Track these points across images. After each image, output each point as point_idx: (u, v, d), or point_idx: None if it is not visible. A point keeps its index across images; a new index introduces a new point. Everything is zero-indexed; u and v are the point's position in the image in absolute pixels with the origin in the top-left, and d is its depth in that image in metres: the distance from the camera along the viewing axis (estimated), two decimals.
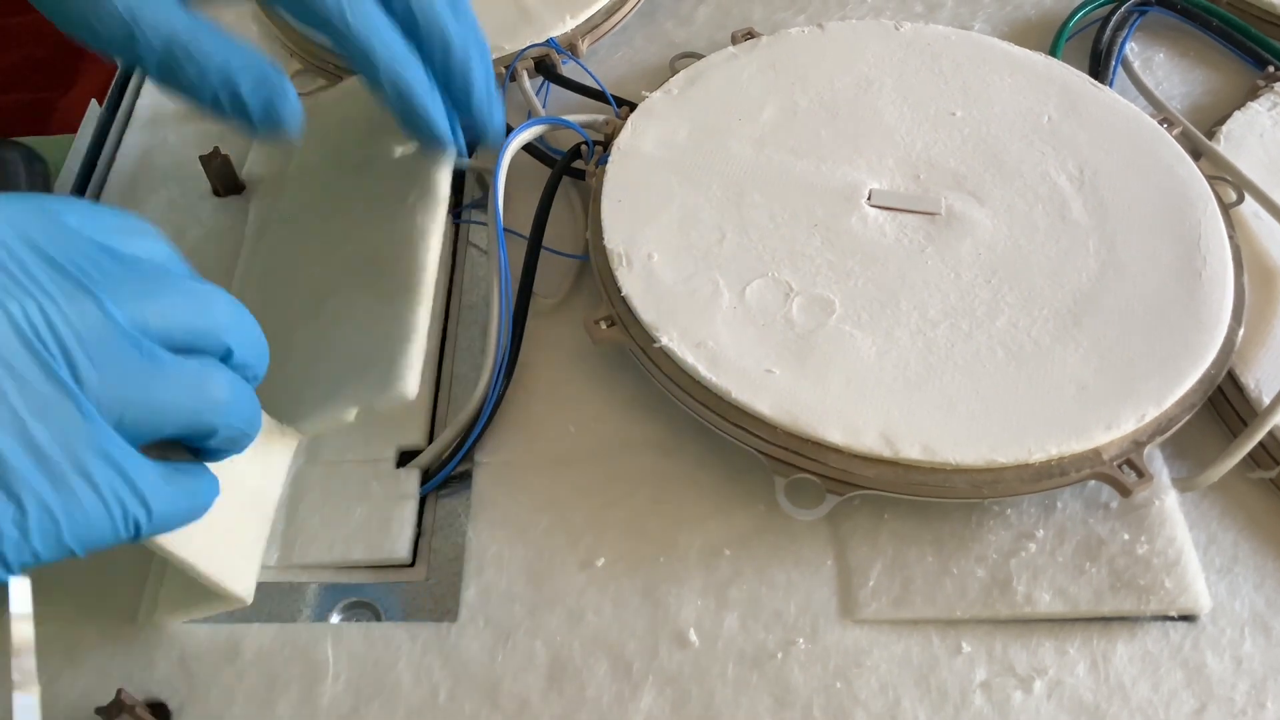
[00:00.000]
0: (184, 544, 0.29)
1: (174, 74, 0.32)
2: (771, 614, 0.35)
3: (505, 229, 0.42)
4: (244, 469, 0.32)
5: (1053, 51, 0.52)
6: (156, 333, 0.25)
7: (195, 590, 0.32)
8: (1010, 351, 0.38)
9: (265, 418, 0.32)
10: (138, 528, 0.26)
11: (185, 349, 0.26)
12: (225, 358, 0.27)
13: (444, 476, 0.38)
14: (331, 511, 0.37)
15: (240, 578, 0.32)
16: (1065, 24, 0.53)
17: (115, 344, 0.24)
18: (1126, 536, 0.36)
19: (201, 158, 0.46)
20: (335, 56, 0.50)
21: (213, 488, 0.29)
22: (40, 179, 0.52)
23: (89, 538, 0.24)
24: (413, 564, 0.37)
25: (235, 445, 0.28)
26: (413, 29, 0.35)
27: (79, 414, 0.23)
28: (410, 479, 0.38)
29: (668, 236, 0.41)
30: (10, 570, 0.24)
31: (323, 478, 0.38)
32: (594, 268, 0.41)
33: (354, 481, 0.38)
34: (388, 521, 0.37)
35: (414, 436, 0.40)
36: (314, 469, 0.39)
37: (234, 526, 0.32)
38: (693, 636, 0.35)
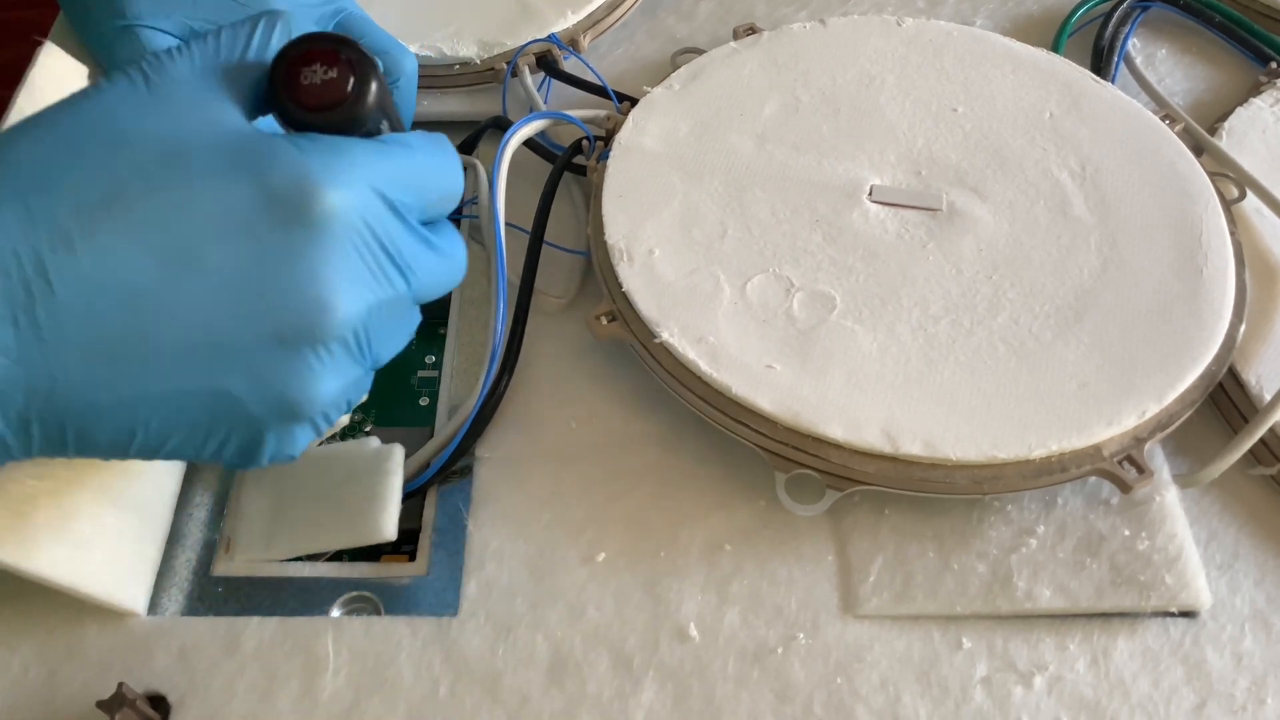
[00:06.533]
0: (61, 571, 0.32)
1: None
2: (772, 609, 0.35)
3: (507, 224, 0.42)
4: (131, 489, 0.36)
5: (1055, 47, 0.52)
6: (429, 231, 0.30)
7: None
8: (1011, 347, 0.38)
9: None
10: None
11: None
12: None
13: (439, 467, 0.38)
14: (316, 499, 0.37)
15: (125, 590, 0.35)
16: (1067, 20, 0.53)
17: (423, 255, 0.29)
18: (1127, 533, 0.36)
19: None
20: None
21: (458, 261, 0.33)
22: None
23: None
24: (412, 557, 0.37)
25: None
26: None
27: (409, 303, 0.29)
28: (393, 455, 0.37)
29: (669, 232, 0.41)
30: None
31: (306, 467, 0.38)
32: (595, 263, 0.41)
33: (338, 466, 0.37)
34: (371, 501, 0.36)
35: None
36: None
37: (116, 546, 0.35)
38: (694, 631, 0.35)
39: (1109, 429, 0.35)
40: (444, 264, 0.29)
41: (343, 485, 0.37)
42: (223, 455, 0.27)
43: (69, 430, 0.25)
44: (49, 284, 0.24)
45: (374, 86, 0.27)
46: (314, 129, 0.27)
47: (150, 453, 0.27)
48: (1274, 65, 0.50)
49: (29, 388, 0.24)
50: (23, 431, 0.25)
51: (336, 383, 0.27)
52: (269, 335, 0.26)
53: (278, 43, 0.28)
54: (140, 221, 0.24)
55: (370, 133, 0.28)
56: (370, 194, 0.27)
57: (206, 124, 0.26)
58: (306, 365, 0.26)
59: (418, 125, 0.50)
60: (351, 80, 0.27)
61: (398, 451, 0.37)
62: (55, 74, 0.41)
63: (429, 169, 0.29)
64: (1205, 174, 0.43)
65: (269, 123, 0.28)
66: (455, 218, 0.47)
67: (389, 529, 0.35)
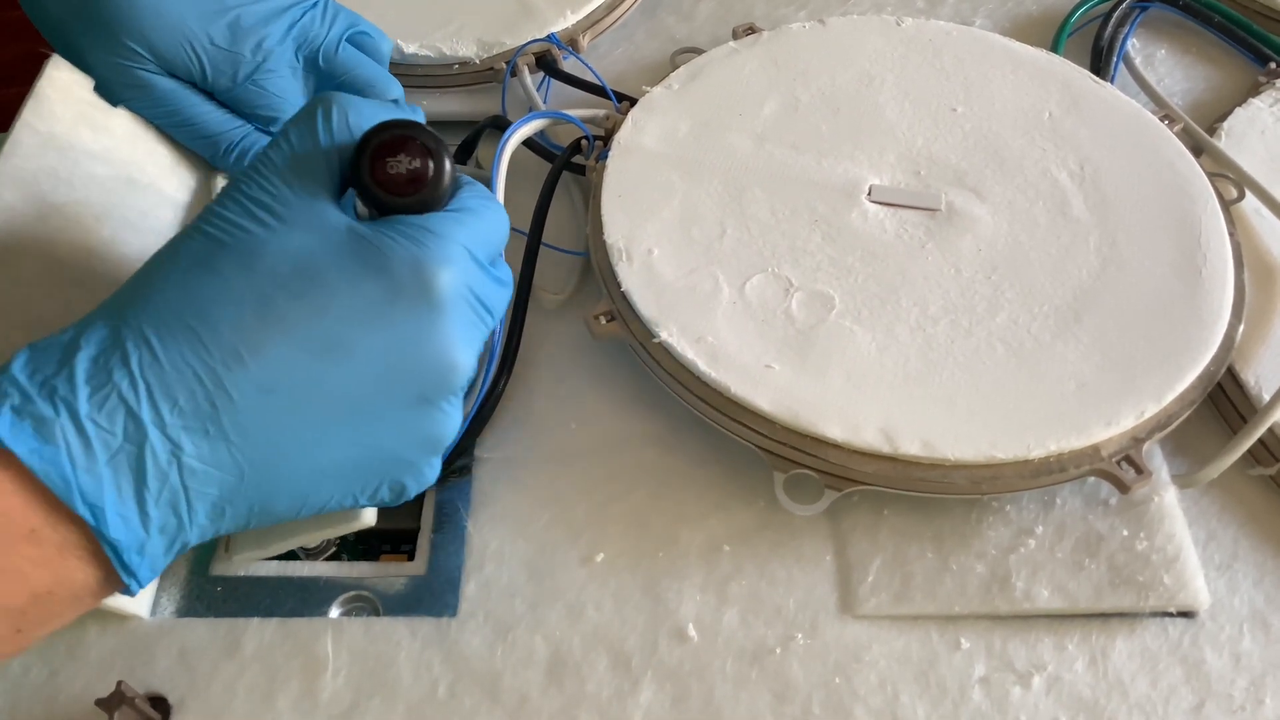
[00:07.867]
0: None
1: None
2: (771, 609, 0.35)
3: None
4: None
5: (1054, 47, 0.52)
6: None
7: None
8: (1010, 348, 0.38)
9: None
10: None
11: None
12: None
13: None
14: None
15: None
16: (1067, 20, 0.53)
17: (500, 294, 0.33)
18: (1126, 533, 0.36)
19: None
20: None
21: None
22: None
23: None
24: (411, 557, 0.37)
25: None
26: None
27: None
28: None
29: (668, 232, 0.41)
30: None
31: None
32: (594, 263, 0.41)
33: None
34: None
35: None
36: None
37: None
38: (692, 632, 0.35)
39: (1108, 429, 0.35)
40: (507, 292, 0.33)
41: None
42: (376, 499, 0.32)
43: (254, 508, 0.29)
44: (229, 395, 0.28)
45: (448, 167, 0.31)
46: (397, 209, 0.30)
47: (317, 510, 0.31)
48: (1273, 66, 0.50)
49: (222, 483, 0.28)
50: (218, 518, 0.29)
51: (460, 413, 0.32)
52: (412, 398, 0.30)
53: (339, 124, 0.30)
54: (292, 326, 0.28)
55: (445, 204, 0.31)
56: (466, 261, 0.31)
57: (319, 229, 0.29)
58: (443, 413, 0.31)
59: None
60: (432, 166, 0.30)
61: None
62: (61, 85, 0.40)
63: (492, 224, 0.32)
64: (1204, 174, 0.43)
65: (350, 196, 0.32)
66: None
67: (367, 514, 0.35)
